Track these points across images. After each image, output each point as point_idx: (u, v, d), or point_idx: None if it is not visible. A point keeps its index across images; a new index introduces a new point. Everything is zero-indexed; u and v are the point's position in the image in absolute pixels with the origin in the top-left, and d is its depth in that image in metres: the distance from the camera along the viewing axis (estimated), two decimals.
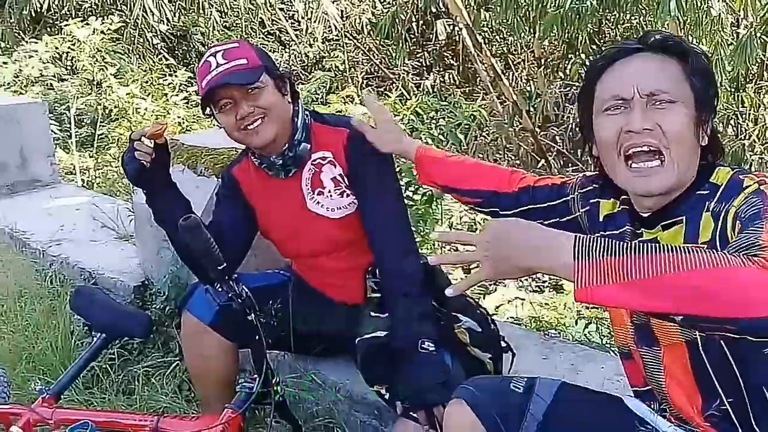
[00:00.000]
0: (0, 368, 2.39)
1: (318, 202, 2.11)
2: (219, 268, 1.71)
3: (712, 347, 1.34)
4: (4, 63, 7.93)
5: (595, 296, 1.09)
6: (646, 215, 1.43)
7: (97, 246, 3.54)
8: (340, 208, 2.11)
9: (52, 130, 6.66)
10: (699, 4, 6.54)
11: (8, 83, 7.69)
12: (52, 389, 2.12)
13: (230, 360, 2.15)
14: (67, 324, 2.81)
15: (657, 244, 1.10)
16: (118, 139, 6.74)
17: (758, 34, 5.66)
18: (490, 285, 4.57)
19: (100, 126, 7.07)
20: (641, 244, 1.10)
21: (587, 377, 2.16)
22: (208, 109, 2.01)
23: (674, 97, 1.32)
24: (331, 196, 2.11)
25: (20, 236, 3.74)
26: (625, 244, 1.10)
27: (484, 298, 4.22)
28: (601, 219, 1.57)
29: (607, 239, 1.11)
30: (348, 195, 2.11)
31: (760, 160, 6.32)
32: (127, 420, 2.02)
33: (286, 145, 2.07)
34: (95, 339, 2.19)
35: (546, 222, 1.70)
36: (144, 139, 1.85)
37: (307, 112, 2.14)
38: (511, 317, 3.80)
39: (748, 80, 7.17)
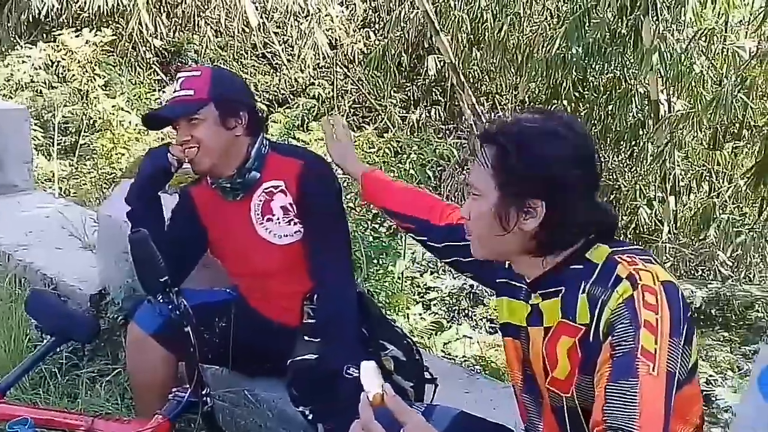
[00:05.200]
0: None
1: (266, 228, 2.24)
2: (161, 280, 1.87)
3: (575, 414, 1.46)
4: None
5: None
6: (528, 280, 1.51)
7: (62, 253, 3.61)
8: (287, 236, 2.24)
9: (35, 137, 6.79)
10: (681, 60, 6.84)
11: None
12: None
13: (170, 371, 2.23)
14: (22, 326, 2.89)
15: None
16: (99, 150, 6.82)
17: (735, 91, 6.00)
18: (446, 322, 4.70)
19: (83, 135, 7.16)
20: None
21: (503, 413, 2.27)
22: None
23: (479, 191, 1.46)
24: (279, 223, 2.23)
25: None
26: None
27: (437, 335, 4.35)
28: (507, 266, 1.61)
29: None
30: (295, 223, 2.23)
31: (729, 219, 6.54)
32: (65, 419, 2.13)
33: (236, 170, 2.20)
34: (45, 341, 2.32)
35: (464, 260, 1.76)
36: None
37: (266, 142, 2.27)
38: (456, 355, 3.92)
39: (726, 139, 7.39)
